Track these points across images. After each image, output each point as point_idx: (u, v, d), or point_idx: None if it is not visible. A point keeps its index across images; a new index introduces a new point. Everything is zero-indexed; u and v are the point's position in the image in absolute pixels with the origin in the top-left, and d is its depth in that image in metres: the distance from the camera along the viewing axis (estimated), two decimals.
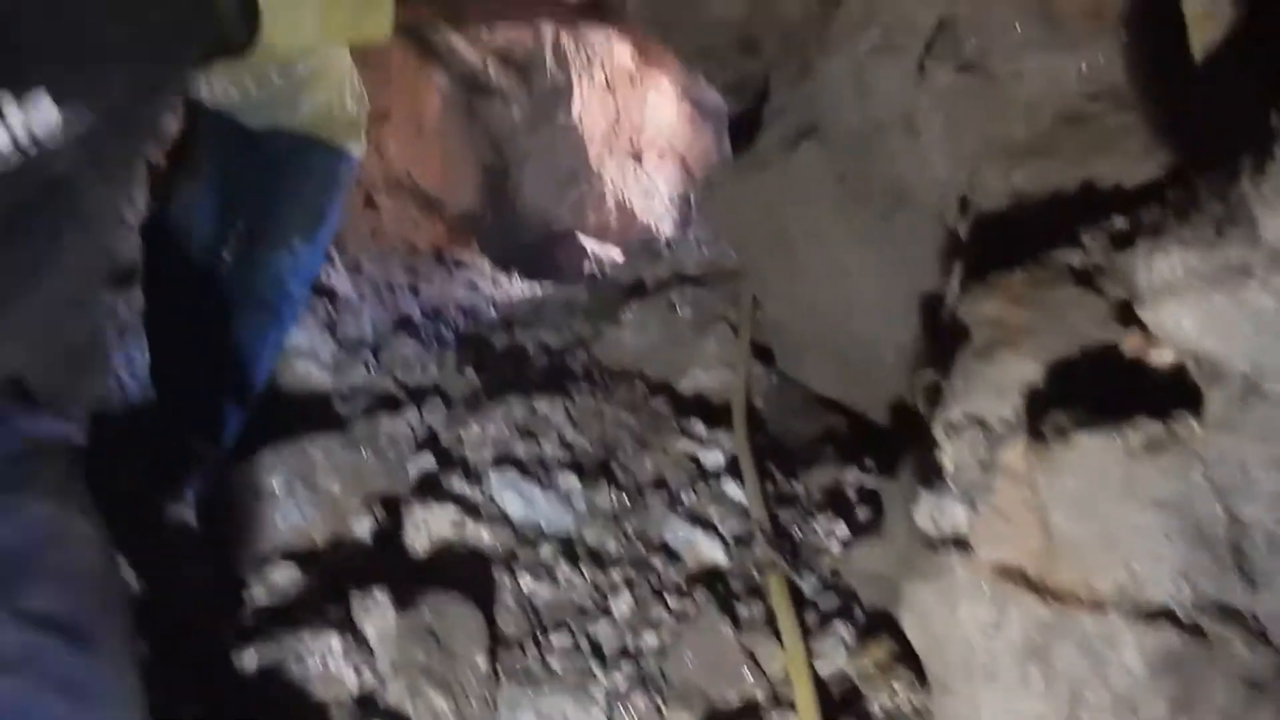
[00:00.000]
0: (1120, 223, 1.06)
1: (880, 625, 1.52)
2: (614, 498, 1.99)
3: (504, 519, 1.93)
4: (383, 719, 1.53)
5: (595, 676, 1.58)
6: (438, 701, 1.54)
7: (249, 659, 1.60)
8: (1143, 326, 0.89)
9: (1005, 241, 1.21)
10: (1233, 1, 0.90)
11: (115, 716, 0.89)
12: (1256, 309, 0.75)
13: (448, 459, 2.12)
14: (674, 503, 1.95)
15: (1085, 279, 1.02)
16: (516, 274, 3.67)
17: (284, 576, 1.82)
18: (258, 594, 1.79)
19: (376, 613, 1.64)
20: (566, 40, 4.63)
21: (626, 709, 1.53)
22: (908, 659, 1.38)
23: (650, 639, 1.63)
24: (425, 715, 1.53)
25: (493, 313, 3.15)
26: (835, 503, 1.89)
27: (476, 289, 3.37)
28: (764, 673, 1.54)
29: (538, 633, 1.68)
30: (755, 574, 1.74)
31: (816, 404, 2.24)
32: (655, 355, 2.49)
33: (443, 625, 1.62)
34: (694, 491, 1.97)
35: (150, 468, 1.86)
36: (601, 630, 1.67)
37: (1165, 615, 0.87)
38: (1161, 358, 0.89)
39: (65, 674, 0.86)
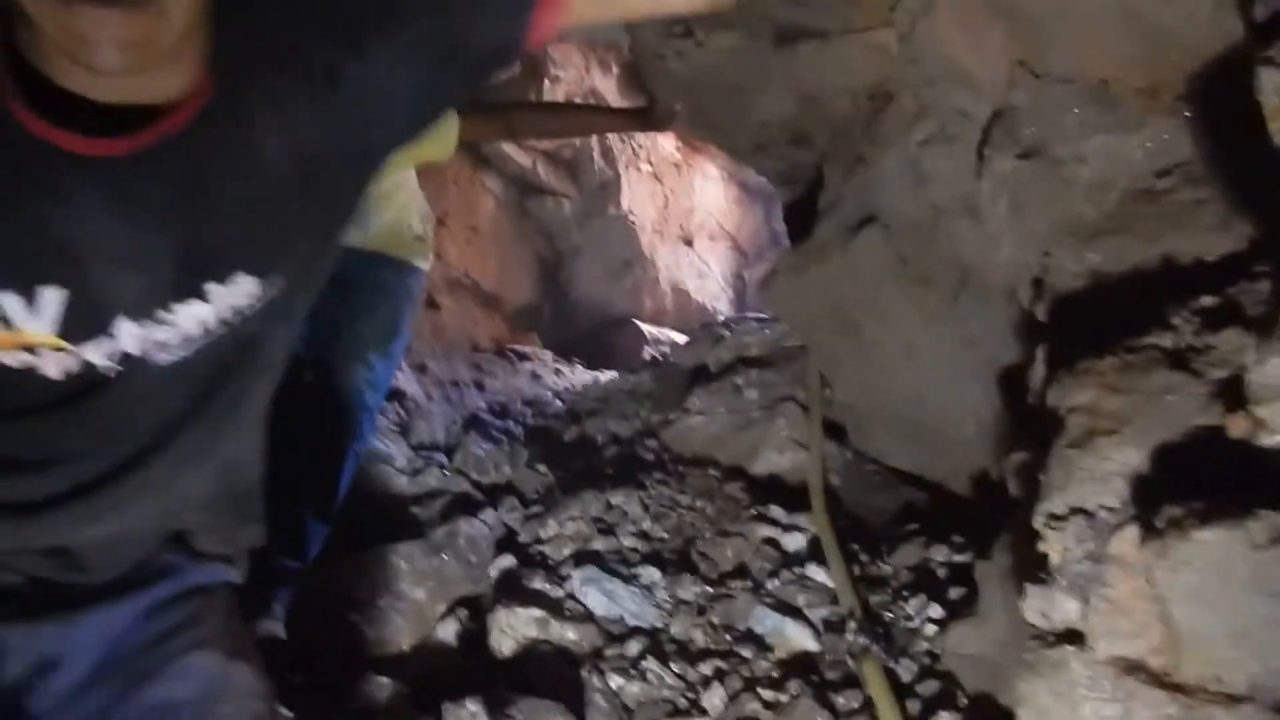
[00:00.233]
0: (1208, 300, 1.05)
1: (986, 712, 1.47)
2: (697, 588, 1.98)
3: (588, 616, 1.93)
4: None
5: None
6: None
7: None
8: (1248, 409, 0.88)
9: (1086, 322, 1.21)
10: None
11: None
12: None
13: (527, 558, 2.13)
14: (758, 590, 1.93)
15: (1180, 361, 1.01)
16: (578, 363, 3.73)
17: (375, 686, 1.83)
18: (350, 705, 1.80)
19: None
20: (612, 137, 4.77)
21: None
22: None
23: None
24: None
25: (558, 404, 3.19)
26: (925, 582, 1.85)
27: (540, 380, 3.43)
28: None
29: None
30: (849, 661, 1.71)
31: (894, 478, 2.22)
32: (725, 439, 2.49)
33: None
34: (778, 577, 1.95)
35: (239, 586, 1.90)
36: None
37: None
38: (1272, 440, 0.88)
39: None
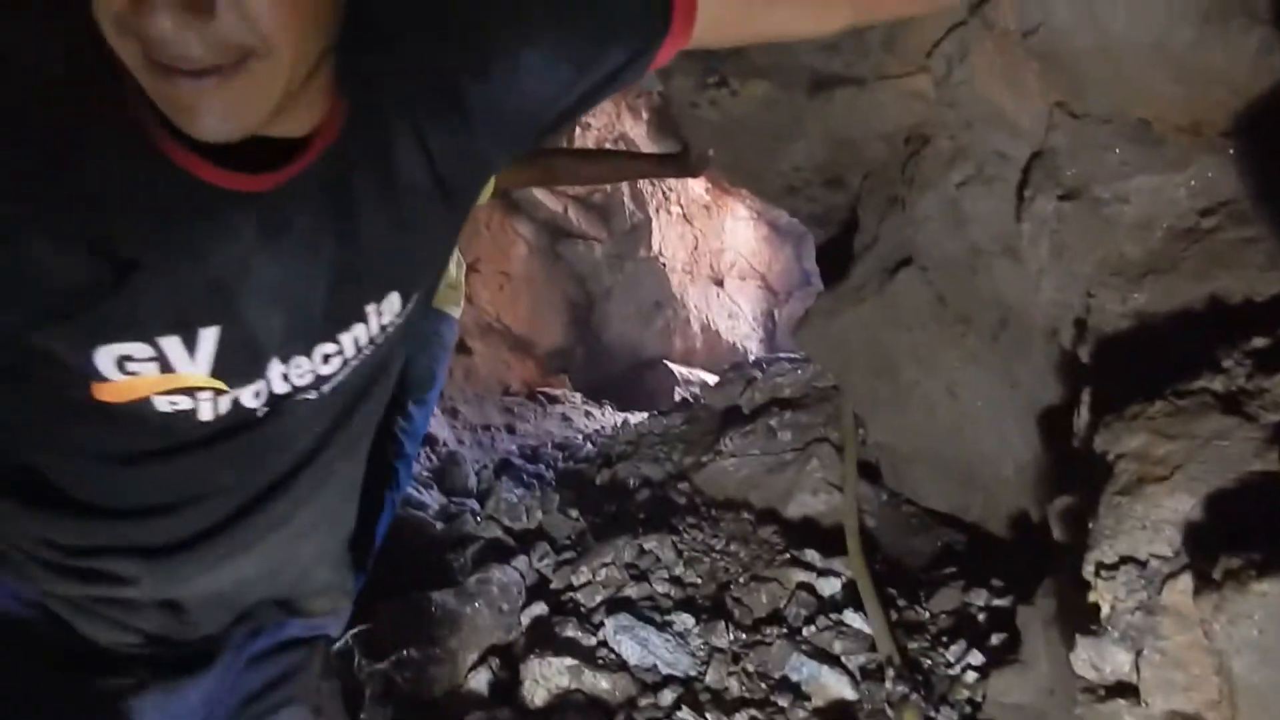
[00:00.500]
0: (1260, 341, 1.02)
1: None
2: (731, 635, 1.94)
3: (621, 664, 1.90)
4: None
5: None
6: None
7: None
8: None
9: (1131, 364, 1.18)
10: None
11: None
12: None
13: (559, 605, 2.11)
14: (794, 637, 1.89)
15: (1232, 405, 0.98)
16: (609, 405, 3.72)
17: None
18: None
19: None
20: (643, 180, 4.81)
21: None
22: None
23: None
24: None
25: (589, 446, 3.17)
26: (965, 627, 1.81)
27: (571, 423, 3.42)
28: None
29: None
30: (888, 709, 1.67)
31: (930, 520, 2.18)
32: (758, 481, 2.46)
33: None
34: (814, 623, 1.92)
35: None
36: None
37: None
38: None
39: None
